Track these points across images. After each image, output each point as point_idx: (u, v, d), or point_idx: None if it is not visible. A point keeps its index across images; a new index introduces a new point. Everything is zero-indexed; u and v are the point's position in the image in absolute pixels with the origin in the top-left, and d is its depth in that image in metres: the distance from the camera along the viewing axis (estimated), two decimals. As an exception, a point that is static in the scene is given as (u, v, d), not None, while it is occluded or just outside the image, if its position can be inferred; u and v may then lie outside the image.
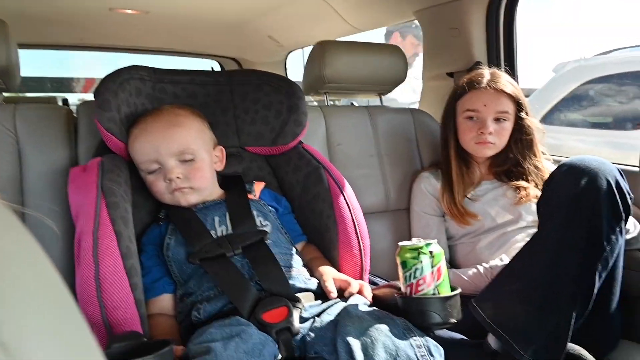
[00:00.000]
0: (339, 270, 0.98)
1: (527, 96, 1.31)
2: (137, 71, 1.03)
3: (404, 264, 0.80)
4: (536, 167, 1.28)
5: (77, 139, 1.07)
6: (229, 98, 1.13)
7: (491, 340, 0.95)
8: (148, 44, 2.46)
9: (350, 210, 1.01)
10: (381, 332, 0.74)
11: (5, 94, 1.36)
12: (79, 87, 3.52)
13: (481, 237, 1.26)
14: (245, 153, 1.13)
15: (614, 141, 2.87)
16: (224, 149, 1.05)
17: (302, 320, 0.83)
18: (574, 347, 0.92)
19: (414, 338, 0.74)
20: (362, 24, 1.95)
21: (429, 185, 1.33)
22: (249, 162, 1.13)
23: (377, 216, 1.36)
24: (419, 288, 0.79)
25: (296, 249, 1.00)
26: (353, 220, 1.00)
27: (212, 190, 0.99)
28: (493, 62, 1.53)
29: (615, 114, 3.03)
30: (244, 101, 1.13)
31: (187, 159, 0.94)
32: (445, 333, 1.00)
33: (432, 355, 0.73)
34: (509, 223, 1.24)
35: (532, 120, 1.28)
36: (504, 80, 1.26)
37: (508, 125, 1.26)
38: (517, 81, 1.44)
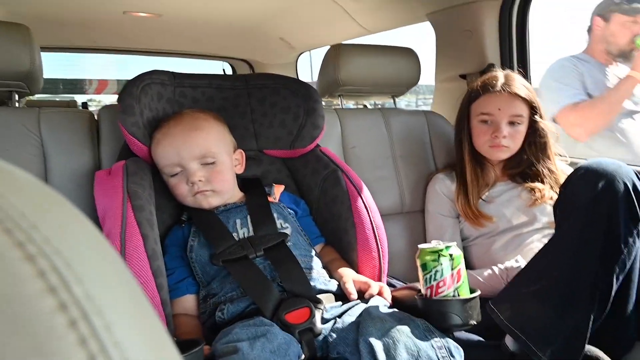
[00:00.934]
0: (357, 272, 0.99)
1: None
2: (158, 76, 1.06)
3: (424, 267, 0.81)
4: (550, 169, 1.29)
5: (99, 142, 1.09)
6: (246, 102, 1.15)
7: (509, 341, 0.96)
8: (161, 46, 2.49)
9: (368, 213, 1.03)
10: (403, 333, 0.75)
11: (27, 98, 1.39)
12: (92, 88, 3.56)
13: (496, 238, 1.27)
14: (264, 156, 1.15)
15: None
16: (243, 152, 1.06)
17: (324, 321, 0.84)
18: (591, 349, 0.93)
19: (435, 339, 0.76)
20: (374, 26, 1.96)
21: (443, 187, 1.35)
22: (267, 165, 1.15)
23: (392, 218, 1.38)
24: (439, 290, 0.80)
25: (315, 251, 1.01)
26: (371, 223, 1.02)
27: (232, 193, 1.01)
28: (506, 64, 1.54)
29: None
30: (262, 105, 1.14)
31: (209, 162, 0.96)
32: (463, 334, 1.01)
33: (452, 356, 0.75)
34: (524, 224, 1.25)
35: (546, 124, 1.29)
36: (518, 84, 1.27)
37: (522, 129, 1.27)
38: (530, 83, 1.44)
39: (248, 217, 0.97)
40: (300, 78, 2.61)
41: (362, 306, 0.86)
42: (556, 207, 1.01)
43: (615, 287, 0.90)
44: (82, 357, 0.15)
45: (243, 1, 1.86)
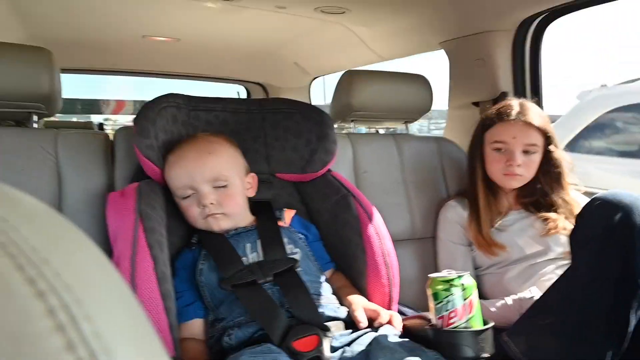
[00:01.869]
0: (367, 299, 0.98)
1: (552, 122, 1.31)
2: (174, 99, 1.07)
3: (435, 296, 0.80)
4: (564, 199, 1.27)
5: (114, 164, 1.10)
6: (260, 125, 1.16)
7: (522, 375, 0.93)
8: (178, 69, 2.54)
9: (379, 239, 1.02)
10: (413, 365, 0.74)
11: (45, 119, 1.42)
12: (109, 109, 3.63)
13: (509, 267, 1.24)
14: (275, 180, 1.15)
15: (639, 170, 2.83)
16: (256, 176, 1.07)
17: (333, 349, 0.83)
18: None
19: (446, 372, 0.74)
20: (387, 53, 1.99)
21: (455, 214, 1.33)
22: (278, 189, 1.15)
23: (402, 244, 1.36)
24: (451, 321, 0.79)
25: (325, 277, 1.00)
26: (382, 250, 1.01)
27: (243, 216, 1.01)
28: (519, 92, 1.54)
29: (640, 142, 3.00)
30: (275, 129, 1.15)
31: (221, 185, 0.97)
32: (474, 366, 0.99)
33: (464, 389, 0.73)
34: (537, 254, 1.23)
35: (561, 153, 1.28)
36: (533, 113, 1.26)
37: (536, 158, 1.26)
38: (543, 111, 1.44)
39: (258, 241, 0.96)
40: (313, 101, 2.64)
41: (371, 335, 0.84)
42: (572, 237, 1.00)
43: (633, 322, 0.87)
44: None
45: (259, 27, 1.89)
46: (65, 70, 2.37)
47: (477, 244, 1.26)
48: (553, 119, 1.32)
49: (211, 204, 0.95)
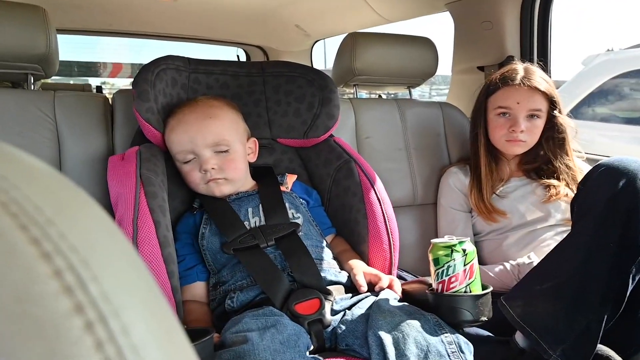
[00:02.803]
0: (368, 264, 0.99)
1: (556, 88, 1.29)
2: (173, 61, 1.05)
3: (436, 261, 0.81)
4: (567, 166, 1.27)
5: (113, 127, 1.09)
6: (261, 90, 1.14)
7: (519, 338, 0.95)
8: (175, 31, 2.48)
9: (380, 205, 1.02)
10: (413, 328, 0.75)
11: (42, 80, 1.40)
12: (106, 72, 3.57)
13: (509, 234, 1.25)
14: (277, 145, 1.14)
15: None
16: (257, 141, 1.06)
17: (333, 312, 0.84)
18: (602, 348, 0.92)
19: (445, 334, 0.75)
20: (392, 15, 1.93)
21: (457, 181, 1.33)
22: (280, 154, 1.14)
23: (403, 210, 1.37)
24: (451, 285, 0.79)
25: (326, 242, 1.01)
26: (383, 215, 1.01)
27: (245, 182, 1.01)
28: (526, 56, 1.51)
29: (646, 109, 2.97)
30: (277, 93, 1.13)
31: (222, 150, 0.96)
32: (471, 329, 1.00)
33: (462, 351, 0.74)
34: (537, 220, 1.23)
35: (565, 119, 1.26)
36: (538, 77, 1.24)
37: (540, 123, 1.25)
38: (550, 77, 1.41)
39: (260, 206, 0.96)
40: (315, 66, 2.59)
41: (372, 299, 0.85)
42: (573, 203, 0.99)
43: (630, 287, 0.88)
44: None
45: (259, -13, 1.84)
46: (60, 31, 2.31)
47: (478, 211, 1.26)
48: (558, 85, 1.30)
49: (212, 168, 0.95)
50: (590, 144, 1.34)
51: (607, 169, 0.92)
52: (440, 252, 0.80)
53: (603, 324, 0.88)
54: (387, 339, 0.74)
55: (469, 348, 0.76)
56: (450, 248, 0.79)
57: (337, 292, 0.89)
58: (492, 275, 1.17)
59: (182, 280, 0.91)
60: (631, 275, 0.88)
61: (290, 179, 1.06)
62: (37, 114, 1.04)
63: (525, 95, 1.22)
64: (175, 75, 1.05)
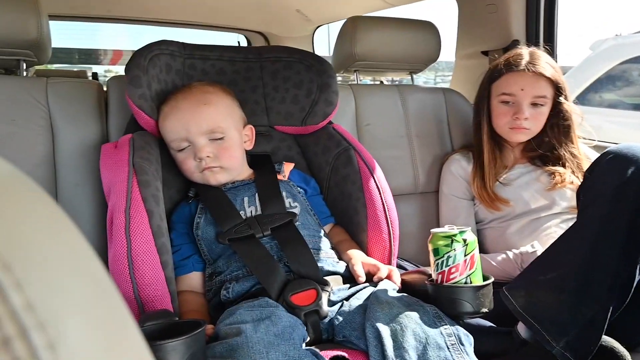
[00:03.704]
0: (367, 254, 0.97)
1: (563, 74, 1.25)
2: (167, 46, 1.02)
3: (436, 251, 0.78)
4: (572, 154, 1.23)
5: (107, 114, 1.07)
6: (258, 75, 1.11)
7: (521, 329, 0.93)
8: (175, 16, 2.44)
9: (380, 194, 0.99)
10: (411, 319, 0.73)
11: (37, 67, 1.37)
12: (107, 59, 3.53)
13: (511, 222, 1.23)
14: (275, 132, 1.12)
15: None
16: (253, 128, 1.03)
17: (331, 303, 0.82)
18: (606, 339, 0.90)
19: (445, 326, 0.74)
20: (394, -1, 1.88)
21: (459, 168, 1.30)
22: (278, 142, 1.12)
23: (405, 198, 1.34)
24: (451, 276, 0.77)
25: (324, 231, 0.99)
26: (383, 204, 0.99)
27: (241, 170, 0.99)
28: (532, 40, 1.47)
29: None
30: (274, 79, 1.11)
31: (217, 138, 0.93)
32: (473, 320, 0.98)
33: (462, 344, 0.73)
34: (542, 208, 1.20)
35: (571, 105, 1.23)
36: (544, 63, 1.20)
37: (545, 110, 1.21)
38: (556, 61, 1.37)
39: (256, 195, 0.94)
40: (317, 52, 2.54)
41: (370, 289, 0.83)
42: (580, 191, 0.97)
43: (637, 278, 0.86)
44: None
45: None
46: (58, 17, 2.28)
47: (480, 199, 1.24)
48: (564, 71, 1.26)
49: (207, 157, 0.92)
50: (597, 130, 1.30)
51: (615, 156, 0.89)
52: (440, 242, 0.78)
53: (608, 316, 0.86)
54: (384, 330, 0.72)
55: (468, 340, 0.74)
56: (451, 238, 0.77)
57: (335, 282, 0.87)
58: (495, 264, 1.15)
59: (178, 270, 0.89)
60: (638, 266, 0.85)
61: (288, 167, 1.04)
62: (29, 101, 1.02)
63: (529, 81, 1.19)
64: (169, 61, 1.02)
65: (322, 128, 1.11)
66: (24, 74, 1.11)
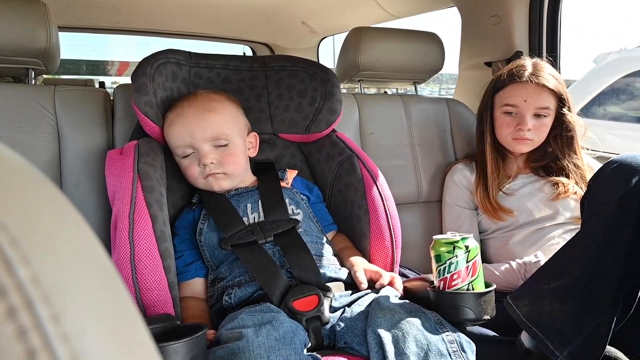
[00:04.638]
0: (369, 261, 0.97)
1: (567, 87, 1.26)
2: (173, 55, 1.04)
3: (438, 258, 0.78)
4: (575, 165, 1.23)
5: (113, 121, 1.08)
6: (263, 84, 1.12)
7: (524, 338, 0.93)
8: (181, 28, 2.47)
9: (382, 201, 1.00)
10: (413, 326, 0.73)
11: (45, 76, 1.39)
12: (114, 70, 3.58)
13: (515, 232, 1.22)
14: (278, 140, 1.13)
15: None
16: (257, 136, 1.04)
17: (333, 309, 0.82)
18: (610, 350, 0.89)
19: (446, 333, 0.73)
20: (398, 11, 1.91)
21: (462, 178, 1.31)
22: (281, 149, 1.13)
23: (408, 207, 1.35)
24: (453, 283, 0.77)
25: (327, 238, 0.99)
26: (385, 212, 0.99)
27: (245, 177, 0.99)
28: (535, 52, 1.48)
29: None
30: (279, 88, 1.12)
31: (221, 145, 0.94)
32: (476, 329, 0.98)
33: (464, 351, 0.72)
34: (545, 218, 1.20)
35: (574, 117, 1.23)
36: (547, 74, 1.21)
37: (548, 121, 1.22)
38: (559, 73, 1.38)
39: (259, 201, 0.95)
40: (323, 63, 2.56)
41: (372, 296, 0.83)
42: (584, 200, 0.96)
43: (642, 288, 0.85)
44: (19, 352, 0.13)
45: (264, -17, 1.82)
46: (68, 29, 2.32)
47: (484, 209, 1.24)
48: (567, 85, 1.26)
49: (211, 163, 0.93)
50: (601, 143, 1.30)
51: (619, 165, 0.89)
52: (442, 249, 0.78)
53: (612, 326, 0.85)
54: (386, 337, 0.72)
55: (470, 347, 0.74)
56: (453, 244, 0.77)
57: (337, 289, 0.87)
58: (498, 274, 1.15)
59: (181, 276, 0.90)
60: (642, 276, 0.85)
61: (291, 175, 1.04)
62: (37, 108, 1.04)
63: (532, 93, 1.19)
64: (175, 69, 1.04)
65: (326, 136, 1.11)
66: (33, 82, 1.13)
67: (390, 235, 0.98)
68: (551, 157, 1.26)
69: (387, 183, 1.05)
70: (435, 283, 0.80)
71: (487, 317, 0.76)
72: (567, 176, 1.23)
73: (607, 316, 0.85)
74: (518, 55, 1.46)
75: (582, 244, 0.90)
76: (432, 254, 0.79)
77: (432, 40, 1.45)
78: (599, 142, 1.30)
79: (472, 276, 0.77)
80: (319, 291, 0.82)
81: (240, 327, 0.70)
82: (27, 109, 1.02)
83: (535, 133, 1.21)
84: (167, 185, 0.94)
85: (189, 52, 1.08)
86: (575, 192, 1.20)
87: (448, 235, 0.79)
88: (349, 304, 0.83)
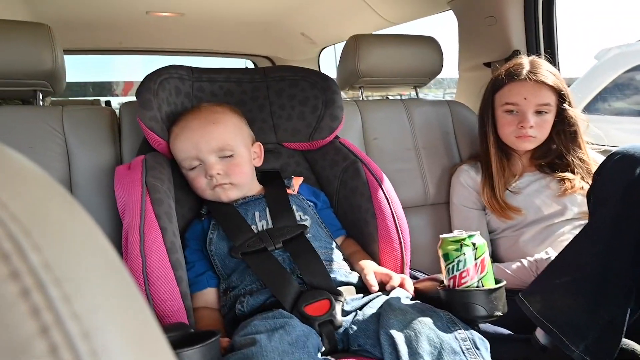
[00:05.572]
0: (379, 264, 0.97)
1: (568, 86, 1.26)
2: (176, 70, 1.06)
3: (446, 256, 0.79)
4: (581, 159, 1.23)
5: (120, 138, 1.10)
6: (265, 95, 1.14)
7: (539, 335, 0.92)
8: (184, 45, 2.52)
9: (389, 204, 1.00)
10: (425, 325, 0.73)
11: (52, 98, 1.42)
12: (119, 90, 3.64)
13: (524, 230, 1.22)
14: (283, 149, 1.14)
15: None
16: (261, 145, 1.06)
17: (344, 313, 0.83)
18: (626, 342, 0.88)
19: (459, 331, 0.73)
20: (395, 17, 1.93)
21: (468, 179, 1.31)
22: (286, 158, 1.14)
23: (416, 210, 1.35)
24: (463, 281, 0.77)
25: (336, 243, 1.00)
26: (392, 214, 0.99)
27: (251, 186, 1.01)
28: (532, 50, 1.48)
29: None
30: (280, 97, 1.13)
31: (227, 155, 0.96)
32: (490, 328, 0.98)
33: (477, 348, 0.72)
34: (554, 215, 1.20)
35: (575, 111, 1.23)
36: (545, 71, 1.21)
37: (549, 118, 1.22)
38: (558, 70, 1.39)
39: (267, 209, 0.96)
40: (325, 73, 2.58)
41: (383, 298, 0.84)
42: (589, 194, 0.96)
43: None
44: (34, 328, 0.14)
45: (262, -3, 1.85)
46: (72, 51, 2.36)
47: (491, 208, 1.24)
48: (569, 83, 1.27)
49: (218, 174, 0.95)
50: (607, 138, 1.30)
51: (623, 156, 0.89)
52: (450, 247, 0.78)
53: (627, 317, 0.85)
54: (399, 337, 0.72)
55: (484, 344, 0.73)
56: (460, 242, 0.77)
57: (348, 292, 0.87)
58: (510, 272, 1.14)
59: (193, 287, 0.91)
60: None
61: (297, 182, 1.05)
62: (46, 129, 1.06)
63: (532, 90, 1.20)
64: (178, 84, 1.06)
65: (329, 143, 1.12)
66: (41, 103, 1.15)
67: (399, 237, 0.98)
68: (556, 154, 1.26)
69: (393, 187, 1.06)
70: (445, 282, 0.80)
71: (498, 313, 0.76)
72: (573, 172, 1.23)
73: (621, 307, 0.84)
74: (516, 54, 1.47)
75: (591, 237, 0.90)
76: (440, 253, 0.79)
77: (430, 43, 1.47)
78: (603, 136, 1.30)
79: (481, 273, 0.77)
80: (330, 295, 0.82)
81: (253, 333, 0.71)
82: (37, 130, 1.05)
83: (538, 130, 1.21)
84: (175, 198, 0.95)
85: (191, 67, 1.10)
86: (582, 187, 1.19)
87: (455, 234, 0.79)
88: (361, 307, 0.83)
